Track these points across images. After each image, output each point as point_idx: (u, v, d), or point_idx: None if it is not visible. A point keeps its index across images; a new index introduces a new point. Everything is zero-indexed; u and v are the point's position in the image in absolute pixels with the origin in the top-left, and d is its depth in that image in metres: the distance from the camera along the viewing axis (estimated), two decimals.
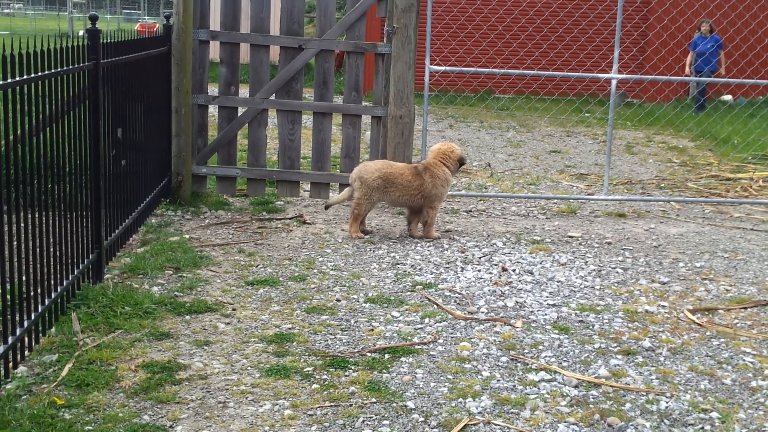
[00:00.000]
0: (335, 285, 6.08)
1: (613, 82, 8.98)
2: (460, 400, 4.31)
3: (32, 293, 4.58)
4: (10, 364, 4.30)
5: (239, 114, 8.42)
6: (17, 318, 4.35)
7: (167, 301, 5.50)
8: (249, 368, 4.60)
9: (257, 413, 4.09)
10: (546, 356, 4.92)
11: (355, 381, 4.47)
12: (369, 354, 4.84)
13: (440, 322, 5.42)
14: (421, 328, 5.31)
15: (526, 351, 5.00)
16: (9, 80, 4.18)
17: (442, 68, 8.75)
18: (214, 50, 11.89)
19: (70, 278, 5.20)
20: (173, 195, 8.21)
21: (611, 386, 4.54)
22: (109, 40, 6.00)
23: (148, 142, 7.29)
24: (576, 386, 4.53)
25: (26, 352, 4.53)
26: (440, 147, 7.57)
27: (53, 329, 4.88)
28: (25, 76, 4.39)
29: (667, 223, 8.50)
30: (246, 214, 8.06)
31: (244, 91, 9.52)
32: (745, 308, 5.92)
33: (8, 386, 4.17)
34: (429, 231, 7.45)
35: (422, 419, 4.10)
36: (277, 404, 4.19)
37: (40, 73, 4.61)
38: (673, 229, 8.20)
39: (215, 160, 8.63)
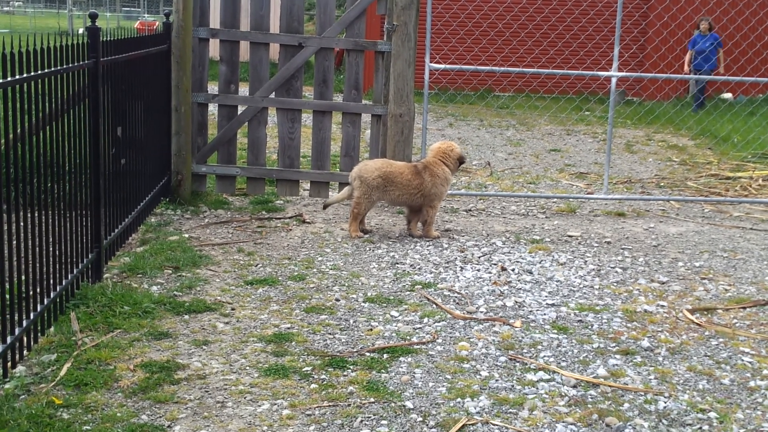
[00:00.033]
0: (334, 284, 6.08)
1: (613, 80, 8.97)
2: (459, 399, 4.31)
3: (31, 293, 4.58)
4: (9, 364, 4.30)
5: (239, 112, 8.42)
6: (16, 317, 4.35)
7: (166, 300, 5.50)
8: (248, 368, 4.60)
9: (255, 413, 4.09)
10: (545, 356, 4.93)
11: (353, 381, 4.47)
12: (368, 354, 4.84)
13: (439, 321, 5.42)
14: (420, 327, 5.31)
15: (524, 351, 5.00)
16: (8, 78, 4.18)
17: (442, 66, 8.75)
18: (214, 48, 11.87)
19: (69, 278, 5.20)
20: (173, 194, 8.20)
21: (610, 386, 4.55)
22: (108, 38, 5.99)
23: (147, 141, 7.29)
24: (574, 386, 4.53)
25: (25, 352, 4.53)
26: (440, 146, 7.57)
27: (52, 329, 4.88)
28: (24, 75, 4.39)
29: (667, 222, 8.50)
30: (245, 214, 8.06)
31: (243, 90, 9.51)
32: (744, 308, 5.93)
33: (7, 386, 4.17)
34: (428, 230, 7.45)
35: (420, 419, 4.10)
36: (275, 404, 4.19)
37: (39, 72, 4.61)
38: (672, 229, 8.20)
39: (215, 158, 8.63)
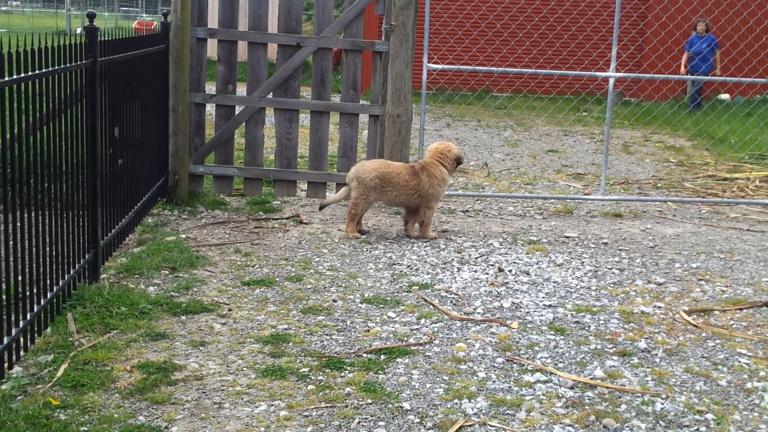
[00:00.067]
0: (331, 285, 6.08)
1: (611, 81, 8.98)
2: (456, 401, 4.31)
3: (28, 293, 4.57)
4: (6, 365, 4.30)
5: (236, 112, 8.41)
6: (13, 318, 4.34)
7: (163, 301, 5.50)
8: (245, 369, 4.59)
9: (253, 414, 4.09)
10: (542, 357, 4.93)
11: (350, 382, 4.47)
12: (365, 355, 4.84)
13: (436, 322, 5.42)
14: (417, 328, 5.31)
15: (522, 352, 5.00)
16: (6, 78, 4.17)
17: (440, 66, 8.75)
18: (212, 48, 11.89)
19: (66, 278, 5.20)
20: (170, 194, 8.20)
21: (607, 387, 4.55)
22: (106, 38, 5.99)
23: (145, 141, 7.28)
24: (572, 387, 4.53)
25: (22, 353, 4.52)
26: (437, 146, 7.57)
27: (49, 329, 4.88)
28: (22, 74, 4.39)
29: (664, 223, 8.50)
30: (243, 214, 8.05)
31: (241, 90, 9.52)
32: (741, 309, 5.93)
33: (3, 386, 4.16)
34: (426, 231, 7.45)
35: (418, 420, 4.10)
36: (272, 405, 4.19)
37: (37, 71, 4.60)
38: (669, 230, 8.20)
39: (212, 159, 8.62)
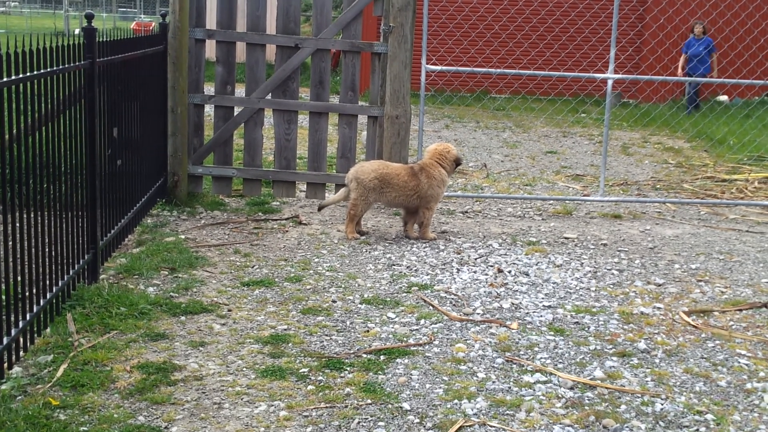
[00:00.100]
0: (331, 286, 6.08)
1: (609, 82, 8.98)
2: (456, 401, 4.31)
3: (27, 293, 4.57)
4: (5, 365, 4.29)
5: (235, 113, 8.41)
6: (12, 318, 4.34)
7: (162, 301, 5.49)
8: (244, 369, 4.59)
9: (252, 414, 4.09)
10: (541, 358, 4.93)
11: (350, 382, 4.47)
12: (364, 355, 4.84)
13: (436, 323, 5.42)
14: (416, 329, 5.31)
15: (521, 352, 5.00)
16: (4, 79, 4.17)
17: (439, 68, 8.75)
18: (211, 49, 11.88)
19: (66, 278, 5.20)
20: (169, 195, 8.19)
21: (606, 388, 4.55)
22: (105, 39, 5.98)
23: (144, 142, 7.28)
24: (571, 388, 4.53)
25: (21, 353, 4.52)
26: (436, 147, 7.57)
27: (48, 330, 4.87)
28: (20, 75, 4.38)
29: (663, 224, 8.51)
30: (242, 215, 8.05)
31: (240, 91, 9.52)
32: (740, 310, 5.93)
33: (3, 387, 4.16)
34: (425, 232, 7.45)
35: (417, 420, 4.10)
36: (272, 405, 4.18)
37: (35, 72, 4.60)
38: (668, 231, 8.21)
39: (211, 160, 8.62)
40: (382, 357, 4.83)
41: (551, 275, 6.52)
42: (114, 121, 6.23)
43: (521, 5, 17.80)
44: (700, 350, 5.18)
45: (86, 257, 5.63)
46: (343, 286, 6.09)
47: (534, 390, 4.49)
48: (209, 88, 9.31)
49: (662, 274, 6.70)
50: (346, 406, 4.20)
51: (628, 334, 5.35)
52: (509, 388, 4.50)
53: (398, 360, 4.79)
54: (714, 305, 6.02)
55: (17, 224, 4.38)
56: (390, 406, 4.23)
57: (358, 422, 4.05)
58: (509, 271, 6.59)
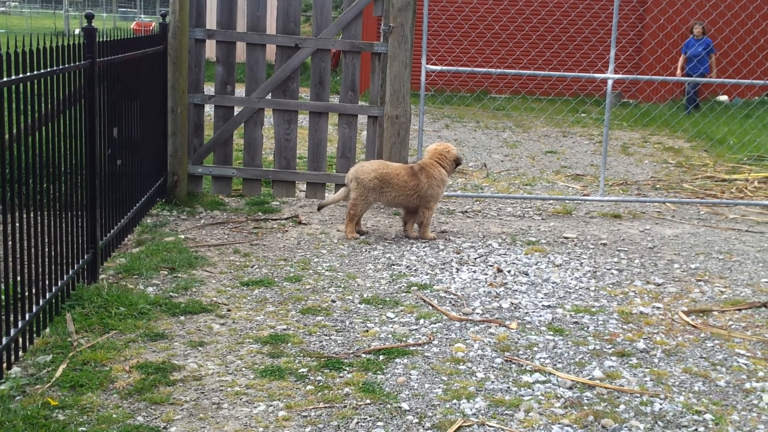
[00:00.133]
0: (330, 286, 6.08)
1: (609, 82, 8.99)
2: (455, 401, 4.31)
3: (27, 293, 4.57)
4: (4, 365, 4.30)
5: (235, 113, 8.41)
6: (11, 318, 4.34)
7: (162, 301, 5.49)
8: (243, 369, 4.59)
9: (251, 414, 4.09)
10: (540, 358, 4.93)
11: (349, 382, 4.47)
12: (364, 355, 4.84)
13: (435, 323, 5.42)
14: (416, 329, 5.31)
15: (520, 352, 5.00)
16: (5, 79, 4.17)
17: (439, 68, 8.75)
18: (211, 49, 11.88)
19: (65, 278, 5.20)
20: (169, 195, 8.20)
21: (605, 388, 4.55)
22: (105, 39, 5.99)
23: (143, 142, 7.28)
24: (570, 388, 4.54)
25: (20, 353, 4.52)
26: (436, 147, 7.57)
27: (47, 330, 4.87)
28: (20, 75, 4.39)
29: (663, 224, 8.51)
30: (241, 215, 8.06)
31: (240, 91, 9.52)
32: (740, 310, 5.93)
33: (2, 387, 4.16)
34: (425, 232, 7.45)
35: (416, 420, 4.10)
36: (271, 405, 4.19)
37: (35, 72, 4.60)
38: (668, 231, 8.21)
39: (211, 159, 8.62)
40: (381, 357, 4.83)
41: (551, 275, 6.52)
42: (114, 121, 6.24)
43: (521, 5, 17.80)
44: (699, 350, 5.18)
45: (86, 257, 5.64)
46: (342, 285, 6.09)
47: (533, 390, 4.49)
48: (209, 88, 9.31)
49: (662, 274, 6.70)
50: (345, 406, 4.20)
51: (627, 334, 5.36)
52: (508, 387, 4.51)
53: (397, 360, 4.80)
54: (713, 305, 6.02)
55: (17, 224, 4.39)
56: (389, 406, 4.23)
57: (357, 422, 4.05)
58: (509, 271, 6.59)
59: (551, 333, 5.32)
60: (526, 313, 5.68)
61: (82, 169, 5.51)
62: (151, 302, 5.44)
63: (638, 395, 4.48)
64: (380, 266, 6.62)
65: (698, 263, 7.05)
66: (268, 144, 10.74)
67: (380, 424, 4.04)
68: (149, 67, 7.44)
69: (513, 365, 4.81)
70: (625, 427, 4.13)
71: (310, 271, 6.39)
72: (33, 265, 4.64)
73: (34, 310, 4.64)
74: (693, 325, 5.58)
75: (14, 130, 4.33)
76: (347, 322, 5.37)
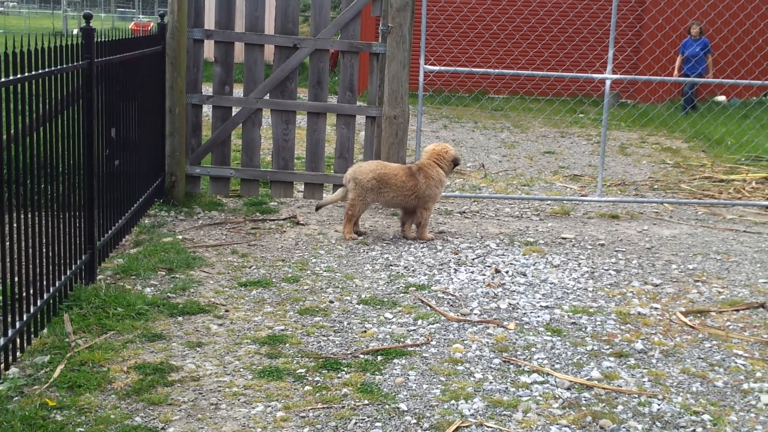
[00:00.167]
0: (328, 286, 6.08)
1: (607, 83, 8.99)
2: (453, 401, 4.31)
3: (24, 294, 4.57)
4: (2, 366, 4.29)
5: (233, 114, 8.41)
6: (9, 319, 4.34)
7: (160, 302, 5.49)
8: (241, 370, 4.59)
9: (249, 415, 4.09)
10: (538, 358, 4.93)
11: (347, 383, 4.47)
12: (362, 356, 4.84)
13: (433, 323, 5.42)
14: (414, 329, 5.31)
15: (518, 353, 5.00)
16: (2, 79, 4.17)
17: (437, 68, 8.75)
18: (209, 49, 11.87)
19: (63, 279, 5.19)
20: (167, 195, 8.19)
21: (603, 388, 4.55)
22: (103, 39, 5.98)
23: (141, 142, 7.28)
24: (568, 388, 4.54)
25: (18, 353, 4.51)
26: (434, 147, 7.57)
27: (45, 330, 4.87)
28: (18, 75, 4.38)
29: (660, 224, 8.51)
30: (239, 215, 8.05)
31: (238, 91, 9.51)
32: (738, 310, 5.94)
33: (0, 387, 4.16)
34: (422, 232, 7.45)
35: (415, 421, 4.10)
36: (269, 406, 4.19)
37: (33, 72, 4.59)
38: (666, 231, 8.21)
39: (209, 160, 8.61)
40: (379, 357, 4.83)
41: (548, 275, 6.52)
42: (112, 121, 6.23)
43: (520, 5, 17.81)
44: (697, 350, 5.18)
45: (83, 258, 5.63)
46: (340, 286, 6.09)
47: (531, 390, 4.49)
48: (207, 89, 9.30)
49: (659, 275, 6.71)
50: (343, 407, 4.20)
51: (625, 335, 5.36)
52: (506, 388, 4.51)
53: (395, 360, 4.80)
54: (711, 305, 6.03)
55: (14, 224, 4.38)
56: (387, 406, 4.23)
57: (355, 423, 4.05)
58: (506, 272, 6.59)
59: (549, 334, 5.32)
60: (524, 313, 5.68)
61: (79, 169, 5.51)
62: (148, 303, 5.44)
63: (636, 396, 4.49)
64: (378, 267, 6.61)
65: (696, 264, 7.05)
66: (266, 144, 10.74)
67: (378, 424, 4.04)
68: (147, 67, 7.44)
69: (511, 366, 4.81)
70: (623, 427, 4.13)
71: (308, 272, 6.39)
72: (31, 266, 4.64)
73: (31, 310, 4.63)
74: (691, 326, 5.58)
75: (12, 131, 4.33)
76: (345, 323, 5.37)
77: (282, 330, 5.19)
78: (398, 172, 7.33)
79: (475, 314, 5.63)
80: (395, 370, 4.68)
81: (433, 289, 6.10)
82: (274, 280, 6.15)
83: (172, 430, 3.91)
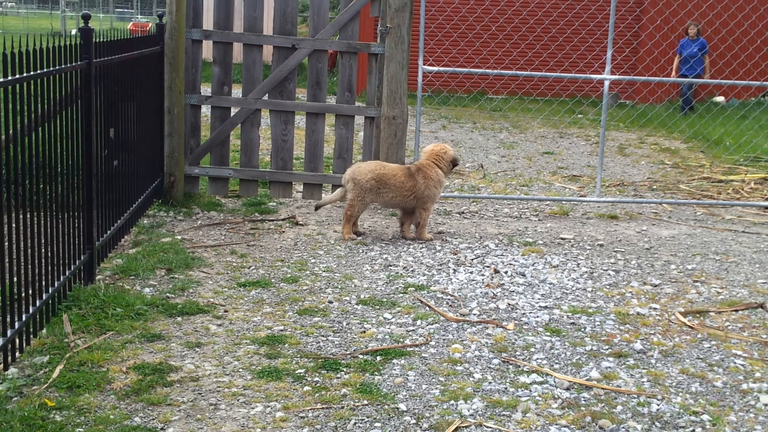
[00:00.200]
0: (327, 287, 6.08)
1: (606, 83, 9.00)
2: (452, 402, 4.31)
3: (23, 294, 4.56)
4: (1, 366, 4.29)
5: (232, 114, 8.41)
6: (8, 319, 4.33)
7: (159, 302, 5.49)
8: (241, 370, 4.59)
9: (249, 415, 4.09)
10: (538, 358, 4.93)
11: (346, 383, 4.47)
12: (361, 356, 4.84)
13: (432, 324, 5.42)
14: (413, 330, 5.31)
15: (517, 353, 5.00)
16: (1, 79, 4.17)
17: (436, 69, 8.75)
18: (207, 50, 11.88)
19: (62, 279, 5.19)
20: (165, 196, 8.19)
21: (603, 388, 4.55)
22: (101, 40, 5.98)
23: (140, 142, 7.27)
24: (568, 388, 4.54)
25: (17, 354, 4.51)
26: (433, 148, 7.58)
27: (44, 330, 4.87)
28: (17, 75, 4.38)
29: (659, 225, 8.52)
30: (238, 215, 8.05)
31: (237, 91, 9.51)
32: (736, 311, 5.94)
33: None
34: (421, 232, 7.45)
35: (414, 421, 4.10)
36: (268, 406, 4.18)
37: (32, 73, 4.59)
38: (664, 231, 8.22)
39: (208, 160, 8.61)
40: (378, 358, 4.83)
41: (548, 276, 6.52)
42: (110, 121, 6.23)
43: (518, 6, 17.82)
44: (696, 351, 5.19)
45: (82, 258, 5.63)
46: (339, 286, 6.09)
47: (530, 391, 4.49)
48: (206, 89, 9.30)
49: (658, 275, 6.71)
50: (343, 407, 4.20)
51: (624, 335, 5.36)
52: (505, 388, 4.51)
53: (395, 361, 4.79)
54: (710, 306, 6.03)
55: (13, 225, 4.38)
56: (386, 407, 4.23)
57: (355, 423, 4.05)
58: (506, 272, 6.59)
59: (548, 334, 5.32)
60: (523, 314, 5.68)
61: (78, 169, 5.51)
62: (148, 303, 5.44)
63: (635, 396, 4.49)
64: (377, 267, 6.61)
65: (695, 264, 7.06)
66: (265, 145, 10.74)
67: (378, 425, 4.04)
68: (146, 67, 7.43)
69: (510, 366, 4.81)
70: (623, 427, 4.13)
71: (307, 272, 6.39)
72: (30, 266, 4.63)
73: (30, 311, 4.63)
74: (690, 326, 5.58)
75: (11, 131, 4.32)
76: (344, 323, 5.37)
77: (281, 330, 5.19)
78: (397, 173, 7.34)
79: (474, 314, 5.63)
80: (394, 370, 4.68)
81: (433, 290, 6.10)
82: (273, 280, 6.15)
83: (171, 431, 3.91)
